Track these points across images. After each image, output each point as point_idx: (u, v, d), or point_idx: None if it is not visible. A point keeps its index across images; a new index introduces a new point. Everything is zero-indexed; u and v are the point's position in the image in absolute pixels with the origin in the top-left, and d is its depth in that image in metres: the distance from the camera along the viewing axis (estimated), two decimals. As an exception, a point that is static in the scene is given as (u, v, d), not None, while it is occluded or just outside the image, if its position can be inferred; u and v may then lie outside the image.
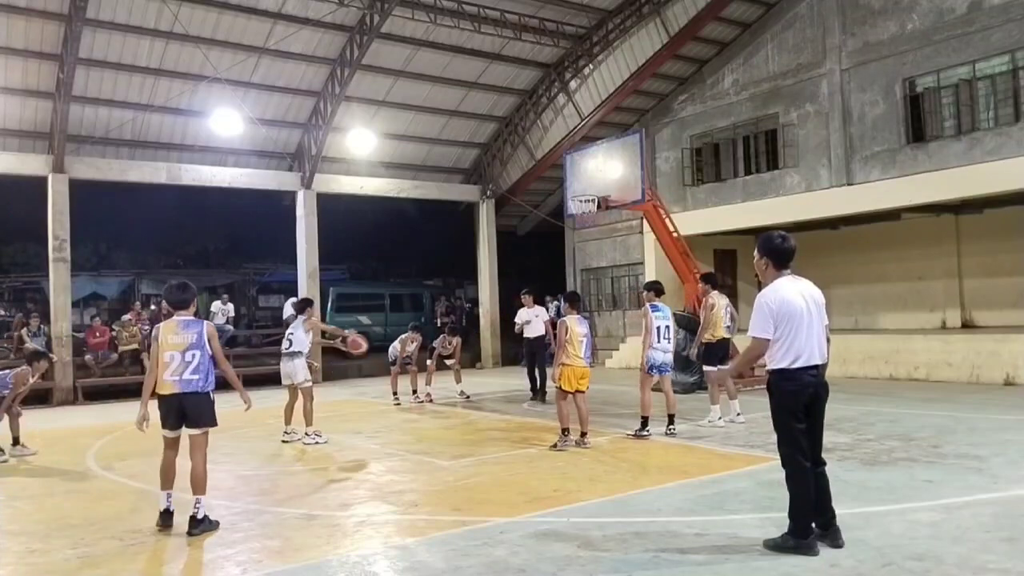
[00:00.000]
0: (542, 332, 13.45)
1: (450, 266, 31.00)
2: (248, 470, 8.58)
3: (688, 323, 14.27)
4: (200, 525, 5.76)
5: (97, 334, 17.09)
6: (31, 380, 9.47)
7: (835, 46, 17.07)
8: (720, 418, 10.04)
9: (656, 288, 9.90)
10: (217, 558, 5.26)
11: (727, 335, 10.66)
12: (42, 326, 17.09)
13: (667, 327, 9.53)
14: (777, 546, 4.82)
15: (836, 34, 17.06)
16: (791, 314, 4.86)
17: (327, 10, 16.27)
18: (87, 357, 16.78)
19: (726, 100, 19.32)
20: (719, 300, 10.69)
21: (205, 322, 6.21)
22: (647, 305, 9.67)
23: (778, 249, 5.06)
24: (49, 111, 16.42)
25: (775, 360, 4.91)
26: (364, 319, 23.91)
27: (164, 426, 6.03)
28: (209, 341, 6.00)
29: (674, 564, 4.74)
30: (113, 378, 17.00)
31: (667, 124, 20.75)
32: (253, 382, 18.32)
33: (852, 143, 16.79)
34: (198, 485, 5.89)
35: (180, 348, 5.89)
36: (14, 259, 31.22)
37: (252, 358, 20.15)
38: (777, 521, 5.04)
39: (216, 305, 20.33)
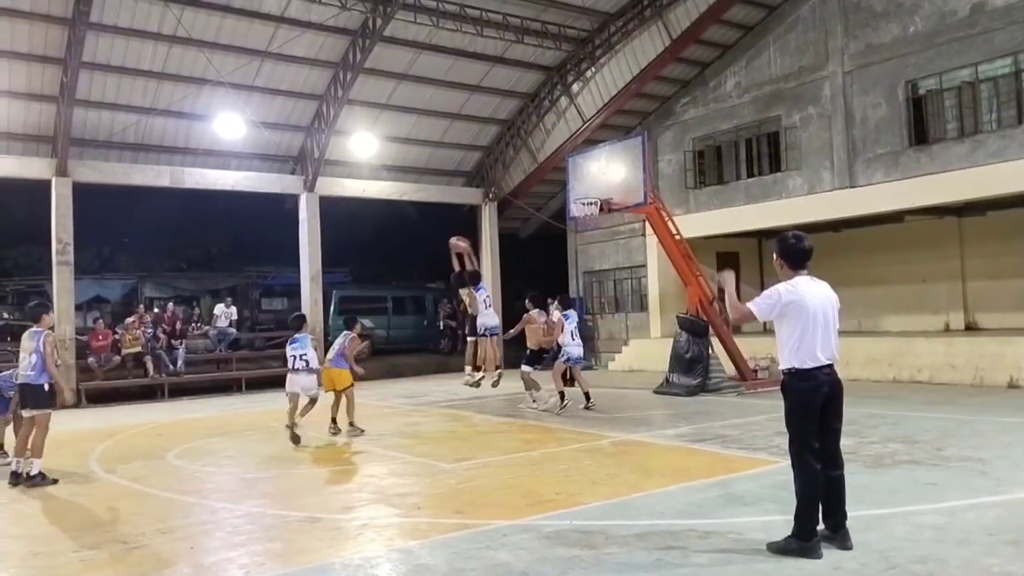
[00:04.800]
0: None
1: (452, 269, 30.95)
2: (251, 473, 8.58)
3: (691, 325, 14.27)
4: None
5: (100, 337, 17.09)
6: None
7: (837, 49, 17.06)
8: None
9: (566, 301, 13.07)
10: (220, 561, 5.27)
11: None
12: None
13: (575, 329, 12.30)
14: (781, 549, 4.80)
15: (838, 37, 17.05)
16: (804, 312, 4.83)
17: (330, 14, 16.29)
18: (90, 360, 16.80)
19: (728, 103, 19.32)
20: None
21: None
22: (560, 313, 12.46)
23: (792, 249, 5.04)
24: (53, 115, 16.46)
25: (789, 359, 4.89)
26: (367, 322, 23.83)
27: None
28: None
29: (677, 566, 4.74)
30: (116, 381, 17.02)
31: (669, 127, 20.75)
32: (256, 385, 18.40)
33: (855, 145, 16.77)
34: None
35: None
36: (18, 262, 31.27)
37: (255, 361, 20.16)
38: (781, 524, 5.03)
39: (219, 308, 20.35)
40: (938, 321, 17.40)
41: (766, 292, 5.00)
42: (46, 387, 8.03)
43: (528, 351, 12.84)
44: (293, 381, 9.98)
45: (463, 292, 11.80)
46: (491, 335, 11.42)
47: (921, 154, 15.74)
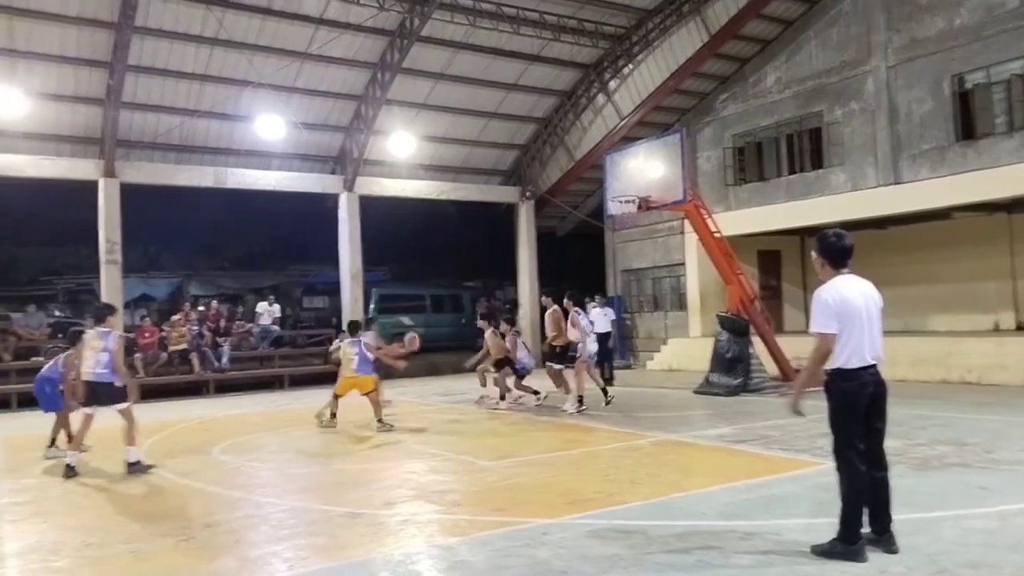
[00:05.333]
0: (609, 329, 16.15)
1: (490, 267, 31.08)
2: (294, 468, 8.71)
3: (732, 324, 14.11)
4: None
5: (147, 334, 17.47)
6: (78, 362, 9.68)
7: (880, 43, 16.74)
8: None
9: (576, 297, 12.62)
10: (265, 555, 5.36)
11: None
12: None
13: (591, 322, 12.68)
14: (825, 552, 4.74)
15: (881, 31, 16.73)
16: (850, 312, 4.75)
17: (368, 15, 16.45)
18: (136, 356, 17.16)
19: (769, 98, 19.08)
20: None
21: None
22: (573, 311, 12.09)
23: (833, 247, 4.95)
24: (99, 117, 16.87)
25: (833, 360, 4.80)
26: (405, 320, 24.03)
27: None
28: None
29: (718, 568, 4.70)
30: (162, 377, 17.37)
31: (708, 123, 20.55)
32: (298, 382, 18.67)
33: (899, 141, 16.45)
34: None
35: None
36: (68, 262, 32.11)
37: (297, 358, 20.45)
38: (825, 527, 4.95)
39: (262, 306, 20.67)
40: (988, 320, 16.97)
41: (815, 308, 4.85)
42: (117, 382, 8.34)
43: (555, 348, 12.55)
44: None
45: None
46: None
47: (968, 149, 15.37)
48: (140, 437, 8.51)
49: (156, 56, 16.45)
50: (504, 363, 12.92)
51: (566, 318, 12.15)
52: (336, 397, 11.20)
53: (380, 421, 10.78)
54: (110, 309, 9.01)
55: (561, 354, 12.39)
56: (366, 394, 10.98)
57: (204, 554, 5.40)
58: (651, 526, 5.58)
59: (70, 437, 9.20)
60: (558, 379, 12.53)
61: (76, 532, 6.09)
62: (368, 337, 11.74)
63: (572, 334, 12.51)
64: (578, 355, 12.12)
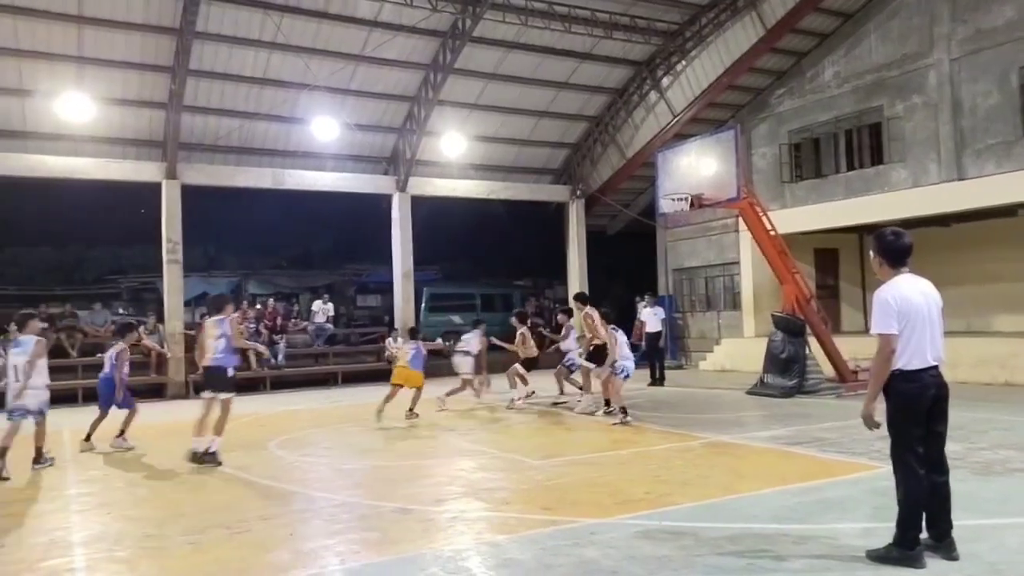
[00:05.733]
0: (659, 328, 16.69)
1: (540, 266, 31.08)
2: (347, 464, 8.86)
3: (787, 324, 13.86)
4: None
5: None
6: (128, 352, 10.23)
7: (943, 35, 16.23)
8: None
9: (606, 313, 11.92)
10: (318, 548, 5.46)
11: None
12: (158, 324, 18.07)
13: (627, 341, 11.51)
14: (881, 557, 4.63)
15: (945, 22, 16.22)
16: (911, 312, 4.64)
17: (421, 16, 16.60)
18: (196, 354, 17.60)
19: (827, 93, 18.66)
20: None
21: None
22: (609, 328, 11.46)
23: (892, 246, 4.83)
24: (162, 120, 17.37)
25: (894, 361, 4.70)
26: (456, 318, 24.22)
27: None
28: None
29: (770, 572, 4.63)
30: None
31: (764, 119, 20.19)
32: (352, 379, 18.96)
33: (963, 136, 15.92)
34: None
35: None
36: (132, 261, 33.16)
37: (351, 356, 20.77)
38: (882, 532, 4.84)
39: (317, 304, 21.05)
40: (1056, 321, 16.34)
41: (876, 310, 4.74)
42: (230, 372, 8.73)
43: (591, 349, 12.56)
44: (455, 363, 13.88)
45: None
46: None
47: (1038, 144, 14.81)
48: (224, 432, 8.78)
49: (216, 60, 16.86)
50: (533, 363, 13.43)
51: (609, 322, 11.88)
52: (393, 386, 12.12)
53: (410, 411, 11.88)
54: (225, 299, 9.48)
55: (597, 355, 12.21)
56: (414, 388, 12.06)
57: (259, 546, 5.53)
58: (702, 528, 5.52)
59: (122, 431, 9.87)
60: (590, 380, 12.57)
61: (138, 523, 6.31)
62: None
63: (564, 343, 13.31)
64: (567, 363, 13.23)
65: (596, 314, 12.14)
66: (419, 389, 12.11)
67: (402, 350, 12.53)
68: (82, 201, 24.52)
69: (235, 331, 8.91)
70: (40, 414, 8.65)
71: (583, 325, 12.56)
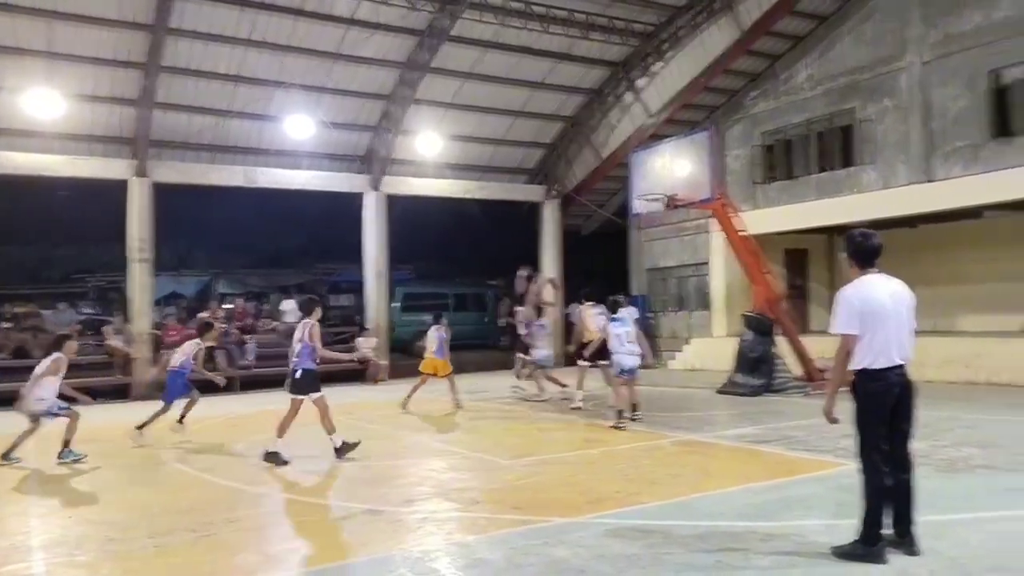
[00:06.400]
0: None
1: (514, 266, 31.04)
2: (316, 465, 8.77)
3: (758, 324, 13.98)
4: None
5: (172, 332, 17.62)
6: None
7: (915, 38, 16.47)
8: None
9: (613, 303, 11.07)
10: (284, 550, 5.42)
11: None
12: (126, 324, 17.78)
13: (627, 332, 10.52)
14: (846, 553, 4.69)
15: (916, 26, 16.45)
16: (874, 312, 4.71)
17: (398, 15, 16.53)
18: (162, 353, 17.34)
19: (800, 95, 18.85)
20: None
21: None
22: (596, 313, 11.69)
23: (859, 247, 4.91)
24: (133, 117, 17.08)
25: (859, 360, 4.75)
26: (429, 318, 24.17)
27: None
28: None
29: (738, 569, 4.66)
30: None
31: (738, 121, 20.36)
32: (323, 379, 18.68)
33: (933, 138, 16.16)
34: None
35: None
36: (99, 259, 32.64)
37: (323, 356, 20.54)
38: (846, 528, 4.89)
39: (286, 304, 20.83)
40: (1019, 321, 16.59)
41: (837, 308, 4.81)
42: (298, 374, 8.66)
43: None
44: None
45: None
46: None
47: (1005, 147, 15.05)
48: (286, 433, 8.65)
49: (190, 57, 16.62)
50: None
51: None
52: (422, 375, 12.90)
53: (456, 403, 12.65)
54: (315, 302, 9.15)
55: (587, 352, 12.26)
56: (444, 376, 12.81)
57: (226, 549, 5.47)
58: (671, 526, 5.55)
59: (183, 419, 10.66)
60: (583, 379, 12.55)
61: (100, 527, 6.20)
62: (434, 331, 13.26)
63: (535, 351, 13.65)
64: (531, 359, 13.67)
65: (585, 308, 12.44)
66: (451, 377, 12.80)
67: (430, 337, 13.11)
68: (47, 200, 24.10)
69: (313, 335, 8.59)
70: (51, 415, 9.12)
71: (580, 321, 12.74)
